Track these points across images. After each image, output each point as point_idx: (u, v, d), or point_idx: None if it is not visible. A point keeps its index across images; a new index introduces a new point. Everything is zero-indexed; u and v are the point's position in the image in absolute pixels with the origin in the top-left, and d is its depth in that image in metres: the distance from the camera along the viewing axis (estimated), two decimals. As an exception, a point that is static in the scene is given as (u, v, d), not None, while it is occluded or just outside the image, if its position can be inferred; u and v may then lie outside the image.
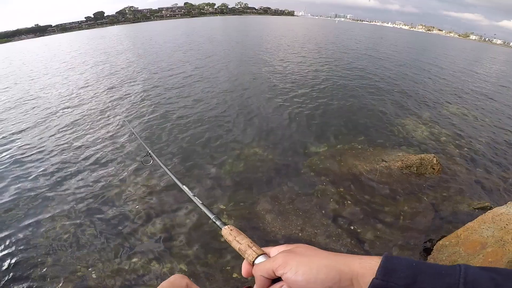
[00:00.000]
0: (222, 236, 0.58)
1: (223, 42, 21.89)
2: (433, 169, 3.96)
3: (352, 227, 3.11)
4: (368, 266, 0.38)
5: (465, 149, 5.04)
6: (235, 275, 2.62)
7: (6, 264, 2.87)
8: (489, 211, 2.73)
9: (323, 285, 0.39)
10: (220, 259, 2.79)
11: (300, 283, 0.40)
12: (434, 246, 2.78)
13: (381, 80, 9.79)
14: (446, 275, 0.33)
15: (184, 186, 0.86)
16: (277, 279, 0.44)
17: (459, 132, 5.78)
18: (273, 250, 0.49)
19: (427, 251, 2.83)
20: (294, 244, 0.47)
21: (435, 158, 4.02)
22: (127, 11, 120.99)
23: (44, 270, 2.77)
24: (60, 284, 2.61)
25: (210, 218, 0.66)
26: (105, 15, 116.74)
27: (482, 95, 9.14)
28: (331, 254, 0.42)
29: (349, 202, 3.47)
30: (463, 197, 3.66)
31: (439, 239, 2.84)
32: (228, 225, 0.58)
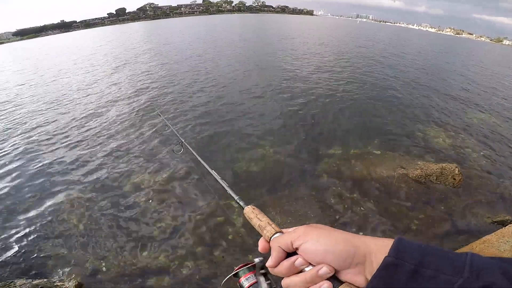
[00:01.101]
0: (243, 215, 0.63)
1: (244, 40, 22.03)
2: (454, 179, 3.85)
3: (363, 234, 3.10)
4: (381, 245, 0.40)
5: (490, 160, 4.79)
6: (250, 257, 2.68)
7: (18, 252, 2.93)
8: (510, 225, 2.65)
9: (340, 256, 0.41)
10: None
11: (319, 252, 0.42)
12: None
13: (404, 84, 9.46)
14: (453, 258, 0.36)
15: (212, 170, 0.96)
16: (292, 254, 0.46)
17: (485, 142, 5.48)
18: (290, 230, 0.51)
19: None
20: (311, 224, 0.49)
21: (457, 168, 3.89)
22: (147, 8, 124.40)
23: (56, 260, 2.82)
24: (71, 272, 2.67)
25: (234, 199, 0.72)
26: (126, 11, 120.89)
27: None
28: (347, 232, 0.45)
29: (362, 208, 3.43)
30: (483, 209, 3.52)
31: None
32: (251, 205, 0.63)
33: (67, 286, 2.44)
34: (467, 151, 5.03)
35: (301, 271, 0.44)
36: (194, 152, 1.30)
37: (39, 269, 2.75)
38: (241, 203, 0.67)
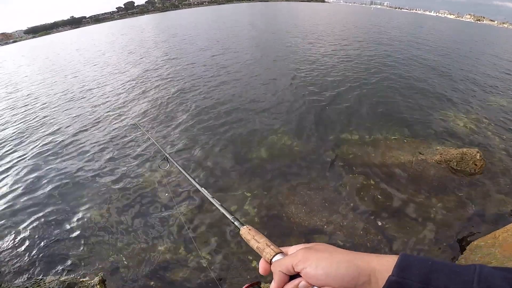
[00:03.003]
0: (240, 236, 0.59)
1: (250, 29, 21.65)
2: (475, 164, 3.69)
3: (380, 223, 3.00)
4: (385, 263, 0.39)
5: (513, 146, 4.59)
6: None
7: (43, 251, 3.03)
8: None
9: (343, 279, 0.40)
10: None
11: (320, 277, 0.41)
12: (468, 246, 2.64)
13: (423, 69, 9.10)
14: (460, 273, 0.34)
15: (202, 188, 0.87)
16: (295, 277, 0.45)
17: (507, 127, 5.22)
18: (290, 249, 0.50)
19: (460, 250, 2.69)
20: (312, 243, 0.48)
21: (478, 153, 3.73)
22: (156, 0, 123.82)
23: (79, 257, 2.91)
24: (94, 268, 2.75)
25: (228, 219, 0.67)
26: (135, 5, 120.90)
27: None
28: (350, 251, 0.43)
29: (379, 196, 3.35)
30: (506, 196, 3.38)
31: (475, 239, 2.69)
32: (247, 225, 0.60)
33: (92, 282, 2.51)
34: (488, 136, 4.81)
35: None
36: (181, 169, 1.17)
37: (65, 266, 2.83)
38: (236, 224, 0.64)
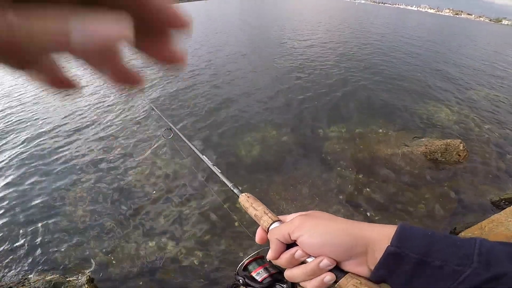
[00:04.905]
0: (239, 203, 0.58)
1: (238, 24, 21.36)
2: (459, 155, 3.75)
3: (369, 214, 3.02)
4: (383, 233, 0.38)
5: (495, 134, 4.73)
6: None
7: (28, 249, 2.88)
8: (519, 202, 2.56)
9: (339, 248, 0.39)
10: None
11: (316, 245, 0.40)
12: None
13: (405, 62, 9.33)
14: (461, 246, 0.34)
15: (203, 156, 0.90)
16: (291, 246, 0.43)
17: (489, 117, 5.42)
18: (288, 218, 0.48)
19: None
20: (310, 211, 0.47)
21: (461, 144, 3.79)
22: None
23: (66, 255, 2.79)
24: (81, 267, 2.66)
25: (228, 186, 0.67)
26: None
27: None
28: (348, 220, 0.42)
29: (367, 188, 3.36)
30: (491, 186, 3.46)
31: (461, 230, 2.72)
32: (246, 193, 0.60)
33: (79, 281, 2.45)
34: (471, 126, 4.96)
35: (303, 262, 0.42)
36: (183, 137, 1.21)
37: (50, 265, 2.72)
38: (235, 191, 0.65)
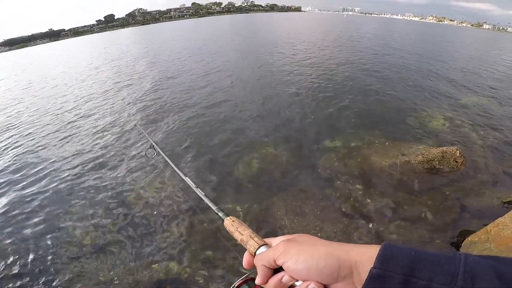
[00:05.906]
0: (224, 227, 0.57)
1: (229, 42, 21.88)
2: (456, 162, 3.78)
3: (371, 225, 3.00)
4: (367, 254, 0.38)
5: (490, 139, 4.78)
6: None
7: (29, 268, 2.85)
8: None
9: (323, 272, 0.39)
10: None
11: (301, 271, 0.40)
12: (463, 243, 2.64)
13: (396, 72, 9.52)
14: (445, 263, 0.33)
15: (186, 177, 0.86)
16: (279, 270, 0.44)
17: (482, 122, 5.49)
18: (274, 241, 0.49)
19: (455, 248, 2.68)
20: (295, 234, 0.48)
21: (458, 151, 3.83)
22: (136, 13, 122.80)
23: (67, 276, 2.74)
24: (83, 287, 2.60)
25: (213, 210, 0.65)
26: (115, 17, 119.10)
27: (503, 83, 8.71)
28: (332, 242, 0.42)
29: (368, 200, 3.35)
30: (491, 190, 3.46)
31: (468, 236, 2.70)
32: (230, 216, 0.58)
33: None
34: (466, 132, 5.02)
35: (292, 286, 0.42)
36: (165, 157, 1.18)
37: (51, 285, 2.68)
38: (221, 214, 0.62)
